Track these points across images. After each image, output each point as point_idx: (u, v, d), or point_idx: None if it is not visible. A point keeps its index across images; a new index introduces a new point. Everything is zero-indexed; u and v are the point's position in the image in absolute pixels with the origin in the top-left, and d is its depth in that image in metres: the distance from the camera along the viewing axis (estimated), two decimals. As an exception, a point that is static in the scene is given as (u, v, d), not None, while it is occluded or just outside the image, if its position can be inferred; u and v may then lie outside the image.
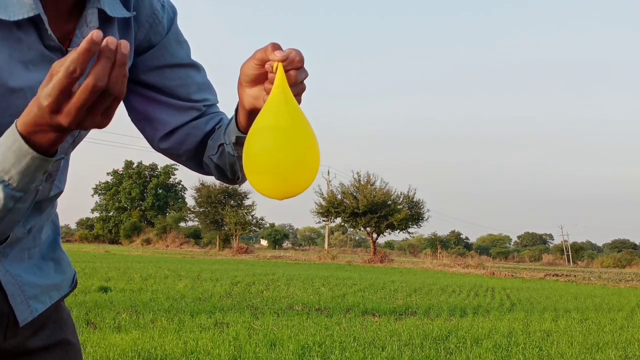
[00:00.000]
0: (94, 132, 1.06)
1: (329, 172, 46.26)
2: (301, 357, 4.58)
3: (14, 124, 0.71)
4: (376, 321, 6.82)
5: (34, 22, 0.81)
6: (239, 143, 0.95)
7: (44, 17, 0.80)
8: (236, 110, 0.95)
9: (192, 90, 1.03)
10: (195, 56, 1.09)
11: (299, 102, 0.83)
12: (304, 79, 0.82)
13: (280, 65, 0.79)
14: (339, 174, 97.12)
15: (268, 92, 0.81)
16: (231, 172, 1.02)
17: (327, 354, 4.71)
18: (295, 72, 0.80)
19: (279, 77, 0.78)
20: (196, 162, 1.07)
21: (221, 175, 1.04)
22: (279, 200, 0.80)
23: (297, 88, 0.82)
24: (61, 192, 1.00)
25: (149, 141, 1.06)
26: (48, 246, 1.03)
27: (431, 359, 4.79)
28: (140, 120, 1.04)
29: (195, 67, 1.06)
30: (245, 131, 0.94)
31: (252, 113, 0.89)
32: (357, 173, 35.02)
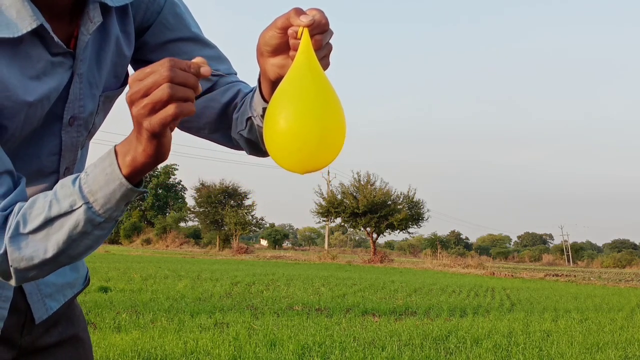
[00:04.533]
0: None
1: (328, 172, 46.24)
2: (301, 357, 4.58)
3: (112, 147, 0.73)
4: (376, 321, 6.82)
5: (37, 33, 0.80)
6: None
7: (47, 26, 0.80)
8: (259, 81, 0.91)
9: None
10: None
11: (328, 63, 0.79)
12: (330, 38, 0.78)
13: (306, 30, 0.73)
14: (339, 174, 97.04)
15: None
16: (264, 144, 1.01)
17: (327, 354, 4.71)
18: (321, 35, 0.75)
19: (305, 43, 0.73)
20: (222, 135, 1.05)
21: (253, 149, 1.01)
22: (301, 175, 0.76)
23: (325, 50, 0.78)
24: None
25: None
26: None
27: (431, 359, 4.79)
28: None
29: (201, 41, 1.03)
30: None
31: (278, 83, 0.85)
32: (357, 173, 35.03)
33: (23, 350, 0.98)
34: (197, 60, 0.70)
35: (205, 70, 0.69)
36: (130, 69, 1.02)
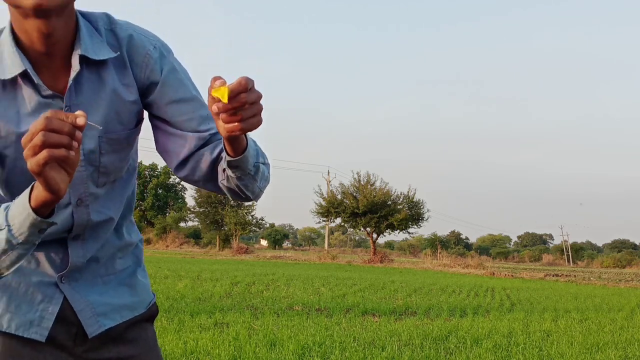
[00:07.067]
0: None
1: (329, 172, 46.24)
2: (301, 357, 4.58)
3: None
4: (376, 321, 6.82)
5: (27, 77, 0.97)
6: (231, 166, 1.03)
7: (31, 71, 0.96)
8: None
9: (197, 123, 1.13)
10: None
11: (259, 121, 0.90)
12: (256, 99, 0.88)
13: (226, 89, 0.85)
14: (339, 174, 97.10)
15: (224, 121, 0.88)
16: (241, 191, 1.10)
17: (327, 354, 4.71)
18: (245, 94, 0.86)
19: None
20: (213, 185, 1.17)
21: (235, 195, 1.13)
22: None
23: (254, 109, 0.88)
24: (111, 219, 1.12)
25: (171, 169, 1.21)
26: (127, 275, 1.20)
27: (431, 359, 4.79)
28: (162, 152, 1.16)
29: (198, 101, 1.15)
30: (231, 155, 1.01)
31: (230, 140, 0.96)
32: (357, 173, 35.02)
33: (78, 359, 1.11)
34: (77, 112, 0.80)
35: (80, 120, 0.79)
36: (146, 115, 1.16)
